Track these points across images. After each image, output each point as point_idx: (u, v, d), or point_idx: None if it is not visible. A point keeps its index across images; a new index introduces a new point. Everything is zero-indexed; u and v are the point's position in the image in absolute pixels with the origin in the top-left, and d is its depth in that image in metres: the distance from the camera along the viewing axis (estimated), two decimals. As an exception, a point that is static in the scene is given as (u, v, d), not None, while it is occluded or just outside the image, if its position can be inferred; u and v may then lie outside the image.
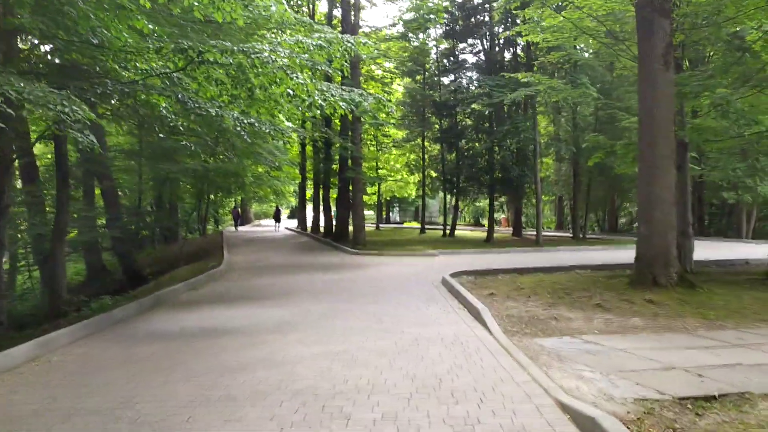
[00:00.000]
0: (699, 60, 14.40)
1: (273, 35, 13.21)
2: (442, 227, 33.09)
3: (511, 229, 34.56)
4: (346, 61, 12.93)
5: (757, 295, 10.25)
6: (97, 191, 23.54)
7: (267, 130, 11.04)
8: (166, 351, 6.73)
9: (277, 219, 43.70)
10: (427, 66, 31.63)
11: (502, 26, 27.63)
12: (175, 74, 8.92)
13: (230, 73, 8.90)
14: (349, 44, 11.08)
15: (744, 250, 21.10)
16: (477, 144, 28.84)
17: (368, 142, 34.02)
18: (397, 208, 59.03)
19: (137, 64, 8.89)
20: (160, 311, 9.75)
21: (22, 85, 5.99)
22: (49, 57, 8.54)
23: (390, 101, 14.40)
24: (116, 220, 21.38)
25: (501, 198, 34.76)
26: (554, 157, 34.00)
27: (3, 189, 9.50)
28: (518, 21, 19.80)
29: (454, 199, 31.38)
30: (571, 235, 29.28)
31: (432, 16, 27.83)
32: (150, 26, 8.02)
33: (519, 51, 29.65)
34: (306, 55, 9.74)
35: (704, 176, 20.05)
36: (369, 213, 55.22)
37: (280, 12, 12.20)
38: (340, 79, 20.60)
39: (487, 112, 27.38)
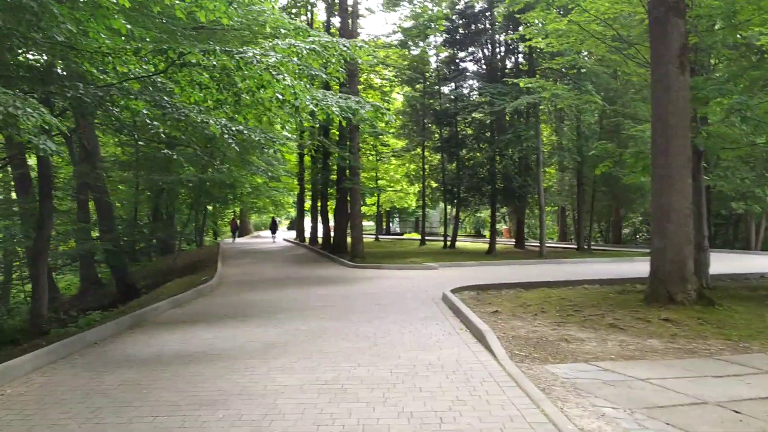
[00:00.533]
0: (704, 68, 13.79)
1: (269, 42, 12.66)
2: (442, 238, 32.41)
3: (513, 240, 33.89)
4: (342, 67, 12.35)
5: (780, 314, 9.57)
6: (92, 203, 23.01)
7: (257, 138, 10.39)
8: (137, 380, 6.04)
9: (274, 230, 43.34)
10: (427, 75, 31.08)
11: (504, 33, 27.09)
12: (155, 77, 8.29)
13: (214, 76, 8.27)
14: (345, 48, 10.50)
15: (756, 262, 20.45)
16: (478, 153, 28.21)
17: (367, 152, 33.41)
18: (397, 219, 58.34)
19: (116, 67, 8.26)
20: (139, 332, 9.04)
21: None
22: (8, 56, 7.92)
23: (389, 110, 13.79)
24: (109, 232, 20.78)
25: (502, 209, 34.08)
26: (557, 167, 33.39)
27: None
28: (521, 27, 19.25)
29: (454, 210, 30.73)
30: (576, 247, 28.60)
31: (432, 24, 27.28)
32: (128, 26, 7.40)
33: (521, 59, 29.09)
34: (297, 59, 9.11)
35: (712, 186, 19.41)
36: (369, 224, 54.66)
37: (274, 17, 11.64)
38: (338, 87, 20.09)
39: (488, 121, 26.75)
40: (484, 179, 26.80)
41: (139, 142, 13.18)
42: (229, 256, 26.31)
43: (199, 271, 20.37)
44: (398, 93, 35.16)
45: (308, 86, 10.13)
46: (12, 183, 22.86)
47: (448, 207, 32.68)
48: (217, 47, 7.54)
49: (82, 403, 5.27)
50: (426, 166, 32.18)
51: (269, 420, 4.70)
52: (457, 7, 28.68)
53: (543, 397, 5.06)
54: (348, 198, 24.73)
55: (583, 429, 4.37)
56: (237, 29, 11.36)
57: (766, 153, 15.30)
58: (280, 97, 8.35)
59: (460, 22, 28.18)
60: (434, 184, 33.29)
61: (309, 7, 30.13)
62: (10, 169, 21.56)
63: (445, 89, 30.83)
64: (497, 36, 27.71)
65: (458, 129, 28.79)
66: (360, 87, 29.69)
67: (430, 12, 27.22)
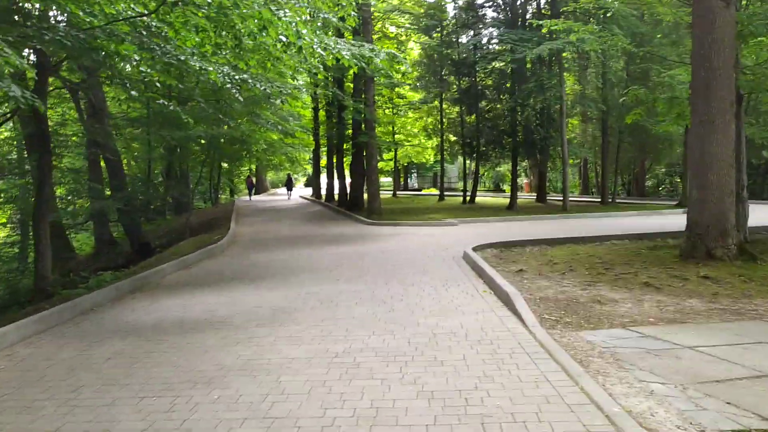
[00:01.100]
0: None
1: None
2: (461, 193, 31.61)
3: (534, 194, 33.04)
4: (354, 11, 11.52)
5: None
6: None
7: (262, 87, 9.64)
8: (129, 352, 5.53)
9: (289, 187, 42.94)
10: (444, 23, 29.73)
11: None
12: (147, 19, 7.54)
13: (210, 16, 7.51)
14: (356, -13, 9.67)
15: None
16: (498, 105, 27.11)
17: (383, 105, 32.37)
18: (415, 174, 57.43)
19: (104, 9, 7.52)
20: (140, 296, 8.55)
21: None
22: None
23: (405, 59, 12.97)
24: (119, 190, 20.32)
25: (523, 162, 33.09)
26: (580, 118, 32.20)
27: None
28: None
29: (474, 164, 29.81)
30: (600, 200, 27.66)
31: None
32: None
33: (543, 2, 27.63)
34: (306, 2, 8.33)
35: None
36: (386, 180, 53.87)
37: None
38: (351, 37, 19.14)
39: (509, 70, 25.56)
40: (504, 131, 25.80)
41: (145, 96, 12.49)
42: (244, 214, 25.86)
43: (213, 230, 19.95)
44: (414, 42, 33.83)
45: (318, 32, 9.37)
46: (24, 141, 22.45)
47: (467, 161, 31.77)
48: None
49: (64, 381, 4.75)
50: (444, 119, 31.15)
51: (270, 401, 4.13)
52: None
53: (581, 372, 4.44)
54: (364, 153, 23.97)
55: (632, 411, 3.75)
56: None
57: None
58: (284, 39, 7.60)
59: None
60: (453, 138, 32.31)
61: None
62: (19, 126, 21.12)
63: (464, 39, 29.52)
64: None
65: (477, 79, 27.64)
66: (375, 37, 28.56)
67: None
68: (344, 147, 29.59)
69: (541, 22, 14.42)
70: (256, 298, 7.97)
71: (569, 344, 5.30)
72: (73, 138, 22.86)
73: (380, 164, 43.44)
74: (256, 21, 7.40)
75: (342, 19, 11.76)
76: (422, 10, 29.17)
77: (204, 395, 4.31)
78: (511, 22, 25.50)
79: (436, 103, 31.02)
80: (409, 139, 39.36)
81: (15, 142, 24.87)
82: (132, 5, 7.24)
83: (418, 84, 32.31)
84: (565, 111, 23.81)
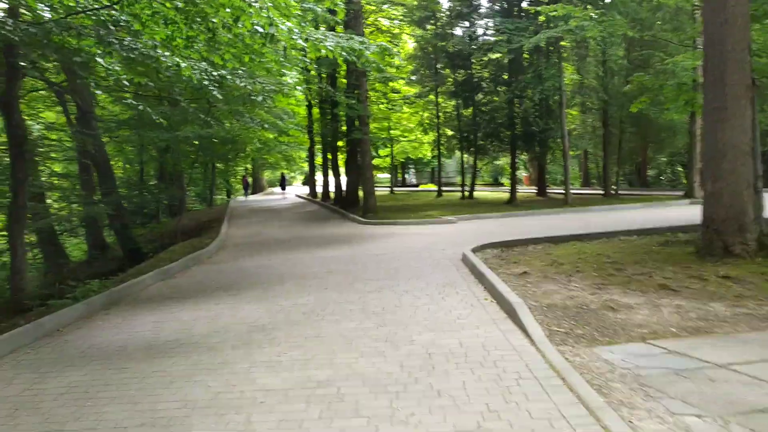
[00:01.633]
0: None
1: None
2: (460, 188, 30.95)
3: (534, 187, 32.37)
4: (342, 1, 10.84)
5: None
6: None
7: (242, 84, 8.96)
8: (86, 385, 4.87)
9: (283, 186, 42.59)
10: (438, 14, 28.99)
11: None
12: (111, 10, 6.87)
13: (179, 6, 6.84)
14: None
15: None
16: (495, 97, 26.39)
17: (378, 101, 31.67)
18: (412, 170, 56.76)
19: (63, 1, 6.85)
20: (114, 312, 7.88)
21: None
22: None
23: (398, 53, 12.28)
24: (109, 195, 19.68)
25: (522, 155, 32.39)
26: (579, 109, 31.50)
27: None
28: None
29: (472, 158, 29.11)
30: (602, 192, 26.97)
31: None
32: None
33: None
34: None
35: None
36: (384, 176, 53.23)
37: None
38: (342, 31, 18.45)
39: (506, 61, 24.86)
40: (502, 124, 25.12)
41: (133, 101, 11.86)
42: (237, 216, 25.22)
43: (206, 232, 19.33)
44: (408, 35, 33.11)
45: (303, 24, 8.71)
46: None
47: (465, 155, 31.07)
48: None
49: (2, 425, 4.10)
50: (440, 114, 30.45)
51: (235, 452, 3.48)
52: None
53: (602, 404, 3.78)
54: (358, 150, 23.32)
55: (668, 458, 3.10)
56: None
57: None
58: (261, 30, 6.93)
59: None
60: (449, 132, 31.59)
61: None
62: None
63: (459, 31, 28.80)
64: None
65: (473, 71, 26.92)
66: (367, 30, 27.88)
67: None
68: (339, 144, 28.94)
69: (538, 9, 13.75)
70: (236, 312, 7.30)
71: (584, 365, 4.64)
72: (66, 143, 22.25)
73: (377, 161, 42.83)
74: (228, 10, 6.74)
75: (332, 11, 11.10)
76: (415, 2, 28.44)
77: (157, 444, 3.67)
78: (506, 11, 24.81)
79: (432, 97, 30.32)
80: (406, 134, 38.69)
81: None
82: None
83: (413, 78, 31.61)
84: (564, 101, 23.12)
